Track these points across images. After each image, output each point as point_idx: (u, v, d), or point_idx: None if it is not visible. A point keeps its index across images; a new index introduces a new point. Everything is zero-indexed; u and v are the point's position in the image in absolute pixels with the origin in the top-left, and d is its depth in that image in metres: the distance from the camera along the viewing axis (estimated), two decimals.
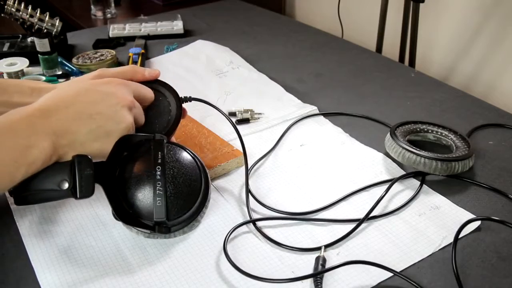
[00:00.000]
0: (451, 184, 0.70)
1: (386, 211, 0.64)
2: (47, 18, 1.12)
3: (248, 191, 0.66)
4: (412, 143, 0.72)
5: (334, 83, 1.00)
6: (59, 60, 1.00)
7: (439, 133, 0.77)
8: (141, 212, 0.55)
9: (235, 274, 0.55)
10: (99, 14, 1.73)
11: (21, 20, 1.12)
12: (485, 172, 0.72)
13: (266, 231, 0.61)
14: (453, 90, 0.96)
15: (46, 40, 0.95)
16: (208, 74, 1.01)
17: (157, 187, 0.55)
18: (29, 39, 1.11)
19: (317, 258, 0.56)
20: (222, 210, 0.65)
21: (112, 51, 1.07)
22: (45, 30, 1.12)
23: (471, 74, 1.34)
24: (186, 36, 1.24)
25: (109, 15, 1.73)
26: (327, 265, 0.55)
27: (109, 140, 0.56)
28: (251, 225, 0.62)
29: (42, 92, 0.60)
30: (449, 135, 0.76)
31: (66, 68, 1.01)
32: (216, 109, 0.69)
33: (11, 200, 0.66)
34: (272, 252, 0.58)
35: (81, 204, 0.65)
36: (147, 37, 1.22)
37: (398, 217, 0.63)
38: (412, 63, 1.33)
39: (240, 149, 0.69)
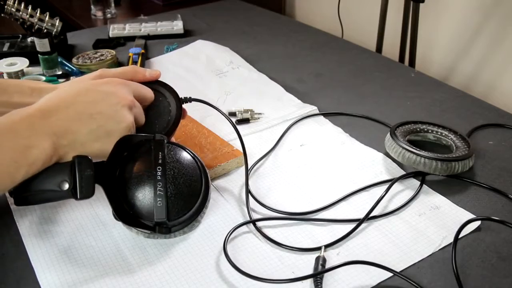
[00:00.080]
0: (451, 184, 0.70)
1: (386, 211, 0.64)
2: (47, 18, 1.12)
3: (248, 191, 0.66)
4: (412, 143, 0.72)
5: (334, 83, 1.00)
6: (59, 60, 1.00)
7: (439, 133, 0.77)
8: (141, 212, 0.55)
9: (235, 274, 0.55)
10: (99, 14, 1.73)
11: (21, 20, 1.12)
12: (485, 172, 0.72)
13: (266, 231, 0.61)
14: (453, 90, 0.96)
15: (46, 40, 0.95)
16: (208, 74, 1.01)
17: (158, 188, 0.55)
18: (29, 39, 1.11)
19: (317, 258, 0.56)
20: (222, 210, 0.65)
21: (112, 51, 1.07)
22: (45, 30, 1.12)
23: (471, 74, 1.34)
24: (186, 36, 1.24)
25: (109, 15, 1.73)
26: (327, 265, 0.55)
27: (110, 140, 0.56)
28: (251, 225, 0.62)
29: (43, 92, 0.60)
30: (449, 135, 0.76)
31: (66, 68, 1.01)
32: (216, 109, 0.69)
33: (11, 200, 0.66)
34: (272, 252, 0.58)
35: (81, 204, 0.65)
36: (147, 37, 1.22)
37: (398, 217, 0.64)
38: (412, 63, 1.33)
39: (240, 149, 0.69)
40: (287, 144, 0.79)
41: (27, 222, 0.63)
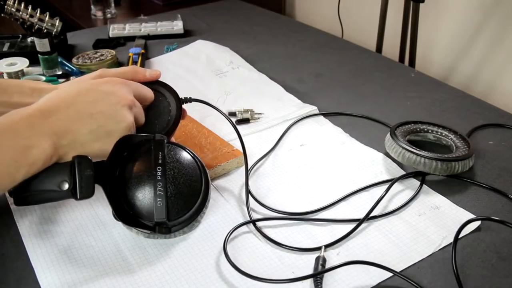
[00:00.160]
0: (451, 184, 0.70)
1: (386, 211, 0.64)
2: (47, 18, 1.12)
3: (248, 191, 0.66)
4: (412, 143, 0.72)
5: (334, 83, 1.00)
6: (59, 60, 1.00)
7: (439, 133, 0.77)
8: (141, 212, 0.55)
9: (235, 274, 0.55)
10: (99, 14, 1.73)
11: (21, 20, 1.12)
12: (485, 172, 0.72)
13: (266, 231, 0.61)
14: (453, 90, 0.96)
15: (46, 40, 0.95)
16: (208, 74, 1.01)
17: (158, 188, 0.55)
18: (29, 39, 1.11)
19: (317, 258, 0.56)
20: (222, 210, 0.65)
21: (112, 51, 1.07)
22: (45, 30, 1.12)
23: (471, 74, 1.34)
24: (186, 36, 1.24)
25: (109, 15, 1.73)
26: (327, 265, 0.55)
27: (110, 140, 0.56)
28: (251, 225, 0.62)
29: (43, 93, 0.60)
30: (449, 135, 0.76)
31: (66, 68, 1.01)
32: (216, 109, 0.69)
33: (11, 200, 0.66)
34: (272, 252, 0.58)
35: (81, 204, 0.65)
36: (147, 37, 1.22)
37: (398, 217, 0.63)
38: (412, 63, 1.33)
39: (240, 149, 0.69)
40: (287, 144, 0.79)
41: (27, 222, 0.63)
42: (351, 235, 0.60)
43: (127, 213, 0.55)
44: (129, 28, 1.25)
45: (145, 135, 0.58)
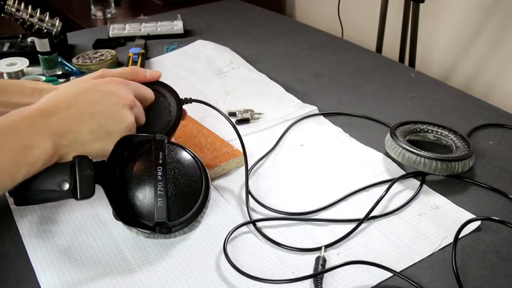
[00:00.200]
0: (451, 184, 0.70)
1: (386, 211, 0.64)
2: (47, 18, 1.12)
3: (248, 191, 0.66)
4: (412, 143, 0.72)
5: (334, 83, 1.00)
6: (59, 60, 1.00)
7: (439, 133, 0.77)
8: (142, 212, 0.55)
9: (235, 275, 0.55)
10: (99, 14, 1.73)
11: (21, 20, 1.12)
12: (485, 172, 0.72)
13: (266, 231, 0.61)
14: (453, 90, 0.96)
15: (46, 40, 0.95)
16: (208, 74, 1.01)
17: (158, 188, 0.55)
18: (29, 39, 1.11)
19: (317, 258, 0.56)
20: (222, 210, 0.65)
21: (112, 51, 1.07)
22: (45, 30, 1.12)
23: (471, 74, 1.34)
24: (186, 36, 1.24)
25: (109, 15, 1.73)
26: (327, 265, 0.55)
27: (111, 140, 0.56)
28: (251, 225, 0.62)
29: (43, 93, 0.60)
30: (449, 135, 0.76)
31: (66, 68, 1.01)
32: (217, 110, 0.69)
33: (11, 200, 0.66)
34: (272, 253, 0.58)
35: (81, 204, 0.65)
36: (147, 37, 1.22)
37: (398, 217, 0.64)
38: (412, 63, 1.33)
39: (240, 149, 0.69)
40: (287, 144, 0.79)
41: (27, 222, 0.63)
42: (351, 235, 0.60)
43: (127, 213, 0.55)
44: (129, 28, 1.25)
45: (146, 135, 0.58)
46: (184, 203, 0.56)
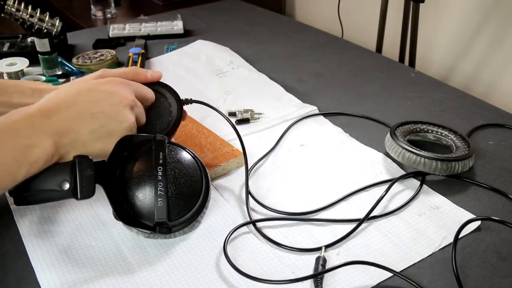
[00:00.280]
0: (451, 184, 0.70)
1: (386, 211, 0.64)
2: (47, 18, 1.12)
3: (248, 192, 0.66)
4: (412, 143, 0.72)
5: (334, 83, 1.00)
6: (59, 60, 1.00)
7: (439, 133, 0.77)
8: (142, 212, 0.55)
9: (235, 275, 0.55)
10: (99, 14, 1.73)
11: (21, 20, 1.12)
12: (485, 172, 0.72)
13: (266, 231, 0.61)
14: (453, 90, 0.96)
15: (46, 40, 0.95)
16: (208, 74, 1.01)
17: (159, 188, 0.55)
18: (29, 39, 1.11)
19: (318, 259, 0.56)
20: (222, 210, 0.65)
21: (112, 51, 1.07)
22: (45, 30, 1.12)
23: (471, 74, 1.34)
24: (186, 36, 1.24)
25: (109, 15, 1.73)
26: (327, 266, 0.55)
27: (111, 140, 0.56)
28: (251, 225, 0.62)
29: (43, 93, 0.60)
30: (449, 135, 0.76)
31: (66, 68, 1.01)
32: (217, 111, 0.69)
33: (11, 200, 0.66)
34: (272, 253, 0.58)
35: (81, 204, 0.65)
36: (147, 37, 1.22)
37: (398, 217, 0.64)
38: (412, 63, 1.33)
39: (240, 149, 0.69)
40: (287, 144, 0.79)
41: (27, 222, 0.63)
42: (351, 235, 0.60)
43: (127, 213, 0.55)
44: (129, 28, 1.25)
45: (146, 135, 0.58)
46: (184, 203, 0.56)
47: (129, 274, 0.55)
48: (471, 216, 0.63)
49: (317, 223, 0.63)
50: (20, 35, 1.14)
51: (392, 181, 0.68)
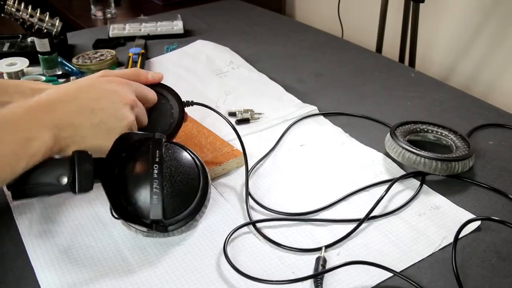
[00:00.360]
0: (451, 184, 0.70)
1: (386, 211, 0.64)
2: (47, 18, 1.12)
3: (248, 193, 0.66)
4: (412, 143, 0.72)
5: (334, 83, 1.00)
6: (59, 60, 1.00)
7: (439, 133, 0.77)
8: (138, 210, 0.55)
9: (235, 275, 0.55)
10: (99, 14, 1.73)
11: (21, 20, 1.12)
12: (485, 172, 0.72)
13: (266, 231, 0.61)
14: (453, 90, 0.96)
15: (46, 40, 0.95)
16: (208, 74, 1.01)
17: (154, 186, 0.55)
18: (29, 39, 1.11)
19: (318, 259, 0.56)
20: (222, 210, 0.65)
21: (112, 51, 1.07)
22: (45, 30, 1.12)
23: (471, 74, 1.34)
24: (186, 36, 1.24)
25: (109, 15, 1.72)
26: (327, 266, 0.55)
27: (110, 137, 0.56)
28: (251, 226, 0.62)
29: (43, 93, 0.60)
30: (449, 135, 0.76)
31: (66, 68, 1.01)
32: (218, 113, 0.69)
33: (10, 199, 0.66)
34: (272, 253, 0.58)
35: (81, 204, 0.65)
36: (147, 37, 1.22)
37: (398, 217, 0.63)
38: (412, 63, 1.33)
39: (240, 149, 0.69)
40: (287, 144, 0.79)
41: (27, 221, 0.63)
42: (351, 235, 0.60)
43: (125, 210, 0.55)
44: (129, 28, 1.25)
45: (145, 134, 0.58)
46: (181, 201, 0.56)
47: (129, 274, 0.55)
48: (471, 216, 0.63)
49: (317, 223, 0.63)
50: (20, 35, 1.14)
51: (392, 181, 0.68)
